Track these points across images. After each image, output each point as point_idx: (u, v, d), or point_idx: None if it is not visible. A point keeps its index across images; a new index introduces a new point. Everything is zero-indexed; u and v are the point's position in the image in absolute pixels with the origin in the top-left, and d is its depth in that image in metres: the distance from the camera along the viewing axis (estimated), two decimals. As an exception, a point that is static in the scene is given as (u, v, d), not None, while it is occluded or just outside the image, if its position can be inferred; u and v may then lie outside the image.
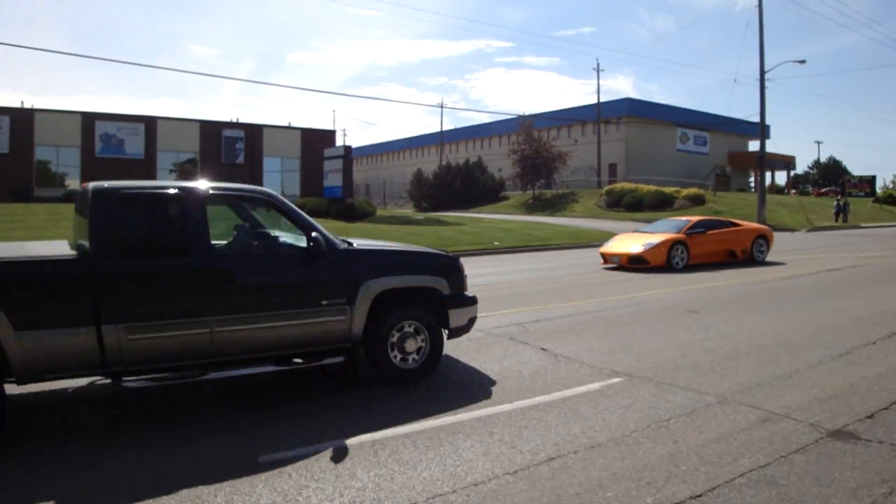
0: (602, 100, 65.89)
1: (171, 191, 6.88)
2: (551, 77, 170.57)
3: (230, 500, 4.78)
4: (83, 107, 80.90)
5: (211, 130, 52.73)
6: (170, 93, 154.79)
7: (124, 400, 7.32)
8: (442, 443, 5.75)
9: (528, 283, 16.52)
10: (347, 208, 37.95)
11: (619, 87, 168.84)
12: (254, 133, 54.06)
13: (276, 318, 6.87)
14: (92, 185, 6.61)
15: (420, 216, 44.00)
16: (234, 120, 55.30)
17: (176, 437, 6.07)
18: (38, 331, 5.88)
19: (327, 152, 42.99)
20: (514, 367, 8.23)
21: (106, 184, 6.64)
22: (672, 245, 18.93)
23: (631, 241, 19.95)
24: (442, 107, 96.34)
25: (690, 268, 18.86)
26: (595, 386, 7.32)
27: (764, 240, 20.97)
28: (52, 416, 6.76)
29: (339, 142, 59.12)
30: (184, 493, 4.91)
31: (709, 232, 19.97)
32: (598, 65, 73.21)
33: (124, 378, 6.62)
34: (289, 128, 57.30)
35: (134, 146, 49.93)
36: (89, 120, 49.20)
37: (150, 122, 50.76)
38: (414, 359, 7.65)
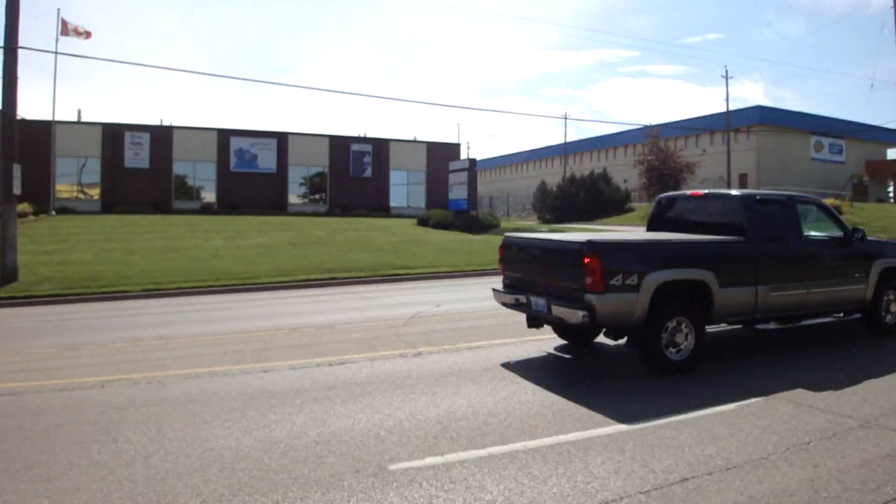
0: (731, 108, 64.03)
1: (779, 196, 10.29)
2: (677, 85, 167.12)
3: (362, 507, 4.88)
4: (218, 123, 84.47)
5: (340, 145, 53.96)
6: (299, 109, 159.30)
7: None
8: (572, 458, 5.72)
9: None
10: (472, 220, 38.17)
11: (749, 94, 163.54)
12: (381, 147, 55.03)
13: (837, 284, 9.96)
14: (737, 192, 10.04)
15: (544, 228, 43.82)
16: (362, 134, 56.43)
17: (304, 446, 6.22)
18: (728, 288, 8.81)
19: (452, 165, 43.33)
20: (645, 383, 8.14)
21: (740, 191, 10.12)
22: None
23: None
24: (566, 118, 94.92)
25: None
26: (730, 406, 7.15)
27: None
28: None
29: (463, 154, 59.53)
30: (317, 497, 5.07)
31: None
32: (726, 72, 70.75)
33: (757, 325, 9.96)
34: (414, 141, 58.07)
35: (267, 161, 51.63)
36: (224, 136, 51.17)
37: (281, 138, 52.38)
38: (889, 319, 10.81)
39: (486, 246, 29.57)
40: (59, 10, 39.79)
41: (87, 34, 40.19)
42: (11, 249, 21.22)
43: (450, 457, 5.81)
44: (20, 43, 21.33)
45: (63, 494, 5.28)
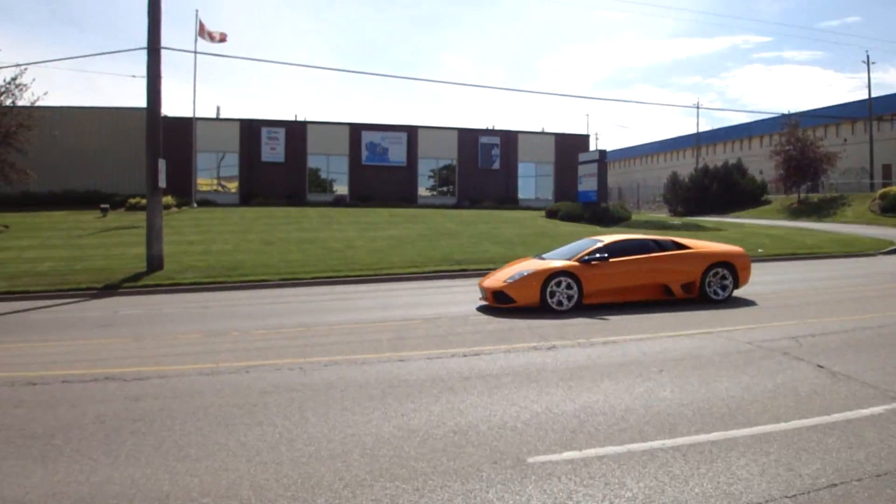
0: (873, 94, 61.06)
1: None
2: (814, 72, 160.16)
3: (501, 498, 4.92)
4: (350, 118, 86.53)
5: (468, 138, 54.28)
6: (428, 102, 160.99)
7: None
8: (714, 459, 5.60)
9: (797, 294, 15.66)
10: (602, 212, 37.72)
11: (892, 80, 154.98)
12: (509, 139, 55.04)
13: None
14: None
15: (676, 221, 42.79)
16: (490, 127, 56.60)
17: (442, 435, 6.31)
18: None
19: (581, 157, 42.88)
20: (788, 383, 7.88)
21: None
22: (549, 278, 13.84)
23: (512, 271, 14.83)
24: (697, 107, 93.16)
25: (588, 310, 13.78)
26: (879, 409, 6.83)
27: (727, 269, 14.73)
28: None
29: (592, 145, 58.83)
30: (456, 486, 5.16)
31: (615, 259, 14.37)
32: (867, 57, 67.72)
33: None
34: (543, 133, 57.84)
35: (397, 154, 52.46)
36: (356, 130, 52.25)
37: (411, 131, 53.08)
38: None
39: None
40: (196, 11, 41.56)
41: (223, 38, 41.69)
42: (157, 240, 22.28)
43: (588, 452, 5.79)
44: (162, 44, 22.38)
45: (212, 474, 5.54)
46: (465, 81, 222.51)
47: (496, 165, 54.46)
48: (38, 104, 34.56)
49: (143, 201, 30.29)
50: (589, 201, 39.33)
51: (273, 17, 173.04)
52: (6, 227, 33.19)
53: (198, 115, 45.29)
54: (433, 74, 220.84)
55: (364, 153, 52.10)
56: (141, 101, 22.91)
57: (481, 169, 54.07)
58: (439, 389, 7.91)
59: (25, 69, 34.07)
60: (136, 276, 21.07)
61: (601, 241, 15.15)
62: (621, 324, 12.18)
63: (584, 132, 77.09)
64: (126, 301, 17.96)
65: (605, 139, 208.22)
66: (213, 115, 52.53)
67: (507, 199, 52.52)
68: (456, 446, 6.00)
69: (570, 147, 53.67)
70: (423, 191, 53.97)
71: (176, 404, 7.66)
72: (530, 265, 14.69)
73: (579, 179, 41.69)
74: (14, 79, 33.43)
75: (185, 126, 44.26)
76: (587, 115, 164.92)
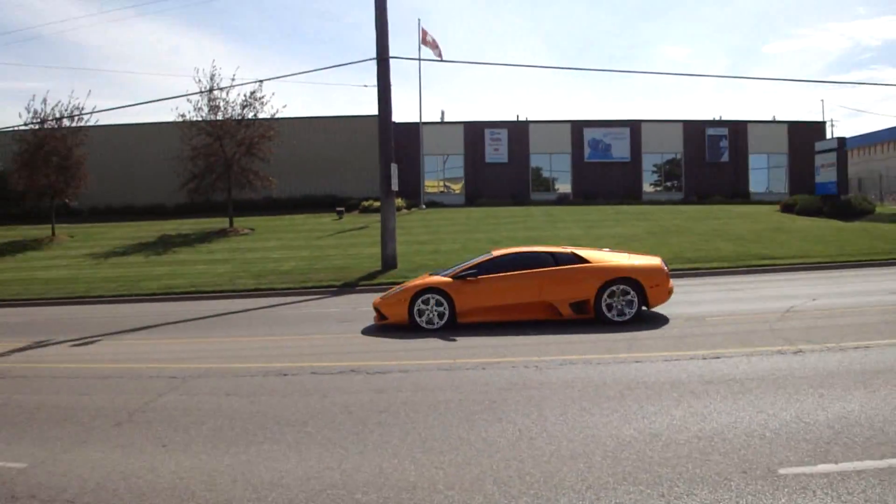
0: None
1: None
2: None
3: (749, 511, 4.77)
4: (570, 115, 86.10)
5: (694, 130, 52.58)
6: (647, 95, 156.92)
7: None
8: (933, 485, 5.13)
9: None
10: (843, 206, 35.35)
11: None
12: (737, 130, 52.78)
13: None
14: None
15: (928, 213, 39.42)
16: (717, 118, 54.52)
17: (686, 440, 6.17)
18: None
19: (818, 146, 40.39)
20: None
21: None
22: (416, 295, 13.17)
23: (396, 287, 14.60)
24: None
25: (463, 329, 12.94)
26: None
27: (633, 287, 12.81)
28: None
29: (828, 133, 55.26)
30: (703, 494, 5.04)
31: (490, 275, 13.28)
32: None
33: None
34: (773, 122, 55.00)
35: (620, 150, 51.73)
36: (577, 127, 52.03)
37: (634, 126, 52.17)
38: None
39: (862, 234, 27.37)
40: (419, 20, 43.31)
41: (436, 47, 42.90)
42: (391, 240, 23.37)
43: (844, 465, 5.47)
44: (389, 53, 23.36)
45: (456, 468, 5.76)
46: (687, 72, 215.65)
47: (724, 158, 52.38)
48: (276, 116, 37.06)
49: (376, 203, 31.77)
50: (828, 194, 37.04)
51: (488, 18, 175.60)
52: (252, 229, 35.93)
53: (423, 119, 46.86)
54: (652, 66, 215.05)
55: (586, 150, 51.79)
56: (368, 109, 24.07)
57: (708, 162, 52.20)
58: (679, 393, 7.76)
59: (261, 84, 36.66)
60: (372, 275, 22.18)
61: (490, 255, 14.08)
62: (872, 326, 11.41)
63: (819, 119, 72.61)
64: (363, 298, 18.87)
65: (842, 126, 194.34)
66: (438, 119, 54.05)
67: (737, 192, 50.35)
68: (701, 453, 5.87)
69: (804, 136, 50.71)
70: (647, 186, 52.88)
71: (418, 398, 8.04)
72: (414, 281, 14.35)
73: (816, 170, 39.33)
74: (253, 93, 36.11)
75: (412, 131, 45.97)
76: (822, 100, 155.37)
